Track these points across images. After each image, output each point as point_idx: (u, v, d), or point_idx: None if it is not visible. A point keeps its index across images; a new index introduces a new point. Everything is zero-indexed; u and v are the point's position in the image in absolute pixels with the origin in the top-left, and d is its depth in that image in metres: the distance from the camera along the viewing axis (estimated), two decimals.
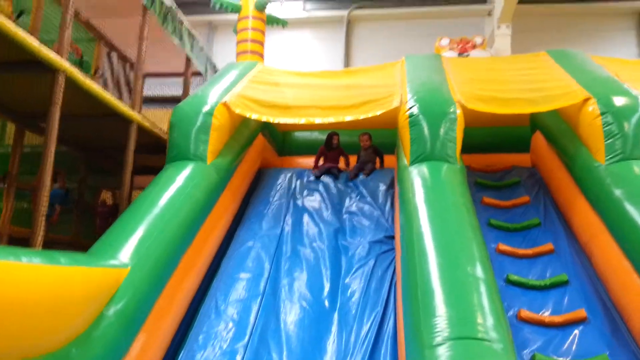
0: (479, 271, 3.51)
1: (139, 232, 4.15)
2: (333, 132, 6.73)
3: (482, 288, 3.38)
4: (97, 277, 3.48)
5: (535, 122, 6.44)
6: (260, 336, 4.13)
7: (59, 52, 4.98)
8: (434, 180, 4.67)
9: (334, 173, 6.37)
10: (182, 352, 4.12)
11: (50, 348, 2.91)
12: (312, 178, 6.33)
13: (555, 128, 5.72)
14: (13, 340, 2.58)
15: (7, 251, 2.70)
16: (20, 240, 5.15)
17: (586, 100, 4.96)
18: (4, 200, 5.60)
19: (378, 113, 5.44)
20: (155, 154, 6.80)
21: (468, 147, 5.41)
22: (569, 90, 5.25)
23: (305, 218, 5.60)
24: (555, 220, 5.20)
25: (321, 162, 6.65)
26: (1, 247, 2.82)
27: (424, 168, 4.83)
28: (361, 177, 6.28)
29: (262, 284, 4.66)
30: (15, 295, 2.58)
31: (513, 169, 6.23)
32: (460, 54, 11.53)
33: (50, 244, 5.83)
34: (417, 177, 4.73)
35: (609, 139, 4.68)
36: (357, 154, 6.64)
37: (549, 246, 4.81)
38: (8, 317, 2.50)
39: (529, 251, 4.79)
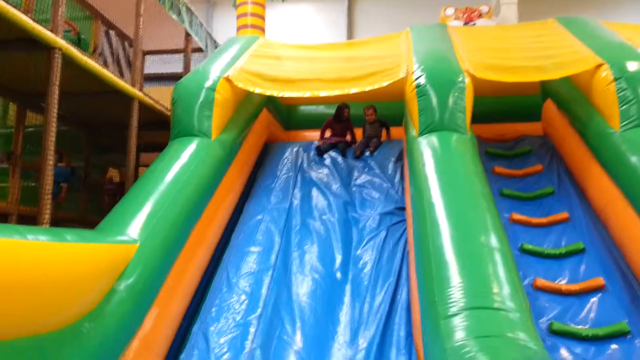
0: (494, 241, 3.45)
1: (147, 209, 4.10)
2: (344, 105, 6.51)
3: (497, 257, 3.32)
4: (106, 253, 3.44)
5: (546, 90, 6.30)
6: (273, 308, 4.11)
7: (53, 29, 4.88)
8: (444, 150, 4.58)
9: (341, 149, 6.20)
10: (196, 324, 4.11)
11: (62, 324, 2.89)
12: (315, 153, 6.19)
13: (567, 95, 5.58)
14: (23, 317, 2.55)
15: (12, 229, 2.64)
16: (29, 219, 5.12)
17: (599, 66, 4.81)
18: (10, 180, 5.56)
19: (384, 84, 5.31)
20: (160, 131, 6.72)
21: (478, 117, 5.28)
22: (581, 57, 5.10)
23: (314, 191, 5.54)
24: (569, 188, 5.11)
25: (327, 134, 6.49)
26: (6, 225, 2.76)
27: (433, 139, 4.73)
28: (367, 154, 6.14)
29: (273, 257, 4.62)
30: (22, 273, 2.54)
31: (524, 138, 6.12)
32: (466, 24, 11.27)
33: (59, 222, 5.83)
34: (426, 147, 4.64)
35: (623, 105, 4.54)
36: (362, 126, 6.51)
37: (563, 214, 4.73)
38: (16, 294, 2.47)
39: (544, 220, 4.71)
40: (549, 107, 6.16)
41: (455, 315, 2.90)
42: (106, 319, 3.25)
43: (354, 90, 5.37)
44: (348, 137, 6.48)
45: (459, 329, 2.79)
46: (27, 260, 2.62)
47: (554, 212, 4.80)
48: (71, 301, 3.00)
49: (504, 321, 2.83)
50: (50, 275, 2.77)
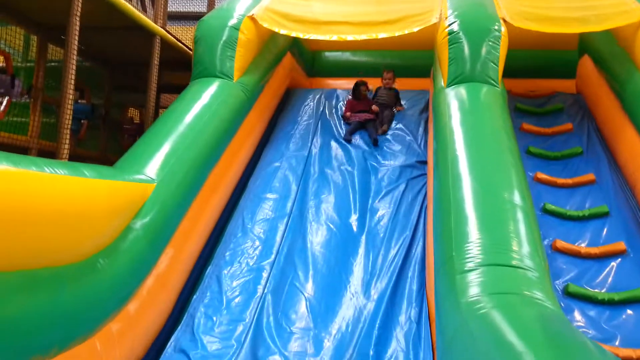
0: (517, 198, 3.34)
1: (165, 149, 4.07)
2: (360, 82, 5.89)
3: (519, 215, 3.23)
4: (122, 190, 3.43)
5: (584, 44, 5.98)
6: (286, 255, 4.11)
7: None
8: (472, 102, 4.40)
9: (369, 128, 5.54)
10: (209, 267, 4.14)
11: (76, 258, 2.90)
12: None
13: (606, 51, 5.28)
14: (37, 249, 2.56)
15: (30, 161, 2.62)
16: (50, 154, 5.13)
17: None
18: (30, 114, 5.56)
19: (415, 30, 5.08)
20: (182, 72, 6.61)
21: (509, 71, 5.04)
22: (626, 9, 4.78)
23: (334, 140, 5.44)
24: (598, 149, 4.92)
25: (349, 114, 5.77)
26: (24, 156, 2.74)
27: (462, 90, 4.54)
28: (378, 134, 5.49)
29: (289, 205, 4.59)
30: (38, 205, 2.53)
31: (556, 95, 5.86)
32: None
33: (79, 159, 5.85)
34: (454, 99, 4.46)
35: None
36: (375, 90, 6.06)
37: (590, 176, 4.57)
38: (33, 225, 2.46)
39: (569, 181, 4.57)
40: (585, 64, 5.86)
41: (471, 270, 2.84)
42: (121, 256, 3.27)
43: (382, 35, 5.15)
44: (372, 113, 5.69)
45: (474, 285, 2.73)
46: (43, 192, 2.61)
47: (581, 174, 4.64)
48: (87, 236, 3.01)
49: (522, 279, 2.77)
50: (66, 208, 2.76)
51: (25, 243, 2.49)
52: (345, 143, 5.39)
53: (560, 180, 4.58)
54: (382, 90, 5.98)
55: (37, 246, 2.60)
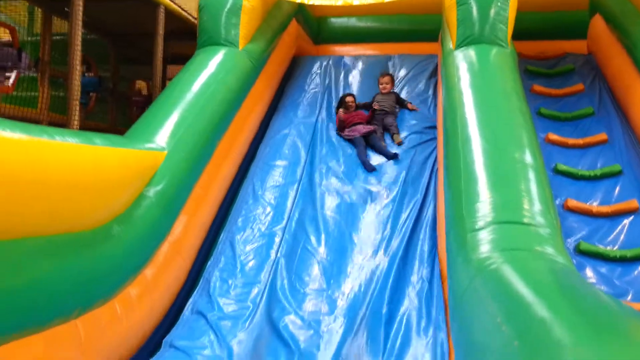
0: (528, 157, 3.33)
1: (174, 118, 4.09)
2: (345, 94, 5.35)
3: (531, 174, 3.22)
4: (134, 158, 3.46)
5: (595, 4, 5.83)
6: (297, 220, 4.15)
7: None
8: (481, 64, 4.35)
9: (376, 143, 4.87)
10: (223, 233, 4.20)
11: (92, 224, 2.95)
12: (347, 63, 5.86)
13: (618, 10, 5.16)
14: (53, 215, 2.61)
15: (40, 129, 2.64)
16: (59, 127, 5.16)
17: None
18: (39, 87, 5.58)
19: None
20: (188, 42, 6.56)
21: (519, 34, 4.96)
22: None
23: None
24: (610, 109, 4.86)
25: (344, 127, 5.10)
26: (35, 125, 2.76)
27: (470, 52, 4.49)
28: (395, 149, 4.80)
29: (299, 171, 4.61)
30: (51, 172, 2.56)
31: (567, 56, 5.77)
32: None
33: (88, 130, 5.89)
34: (462, 61, 4.41)
35: None
36: (372, 98, 5.33)
37: (602, 136, 4.53)
38: (44, 192, 2.50)
39: (580, 141, 4.54)
40: (597, 24, 5.73)
41: (482, 229, 2.86)
42: (136, 223, 3.32)
43: None
44: (367, 126, 5.01)
45: (485, 242, 2.75)
46: (57, 160, 2.64)
47: (592, 134, 4.60)
48: (101, 203, 3.05)
49: (533, 236, 2.78)
50: (79, 176, 2.80)
51: (41, 210, 2.53)
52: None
53: (572, 141, 4.55)
54: (380, 96, 5.31)
55: (53, 213, 2.65)
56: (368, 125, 5.00)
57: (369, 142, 4.89)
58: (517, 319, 1.91)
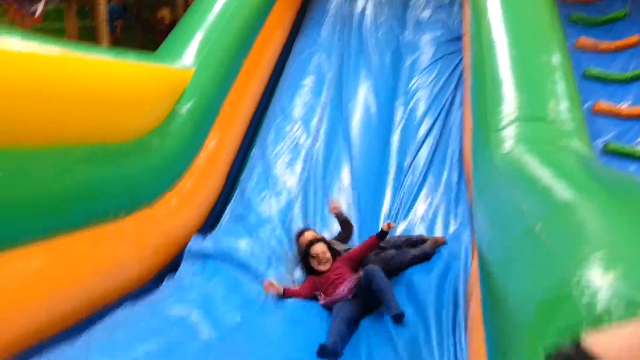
0: (555, 60, 3.29)
1: (198, 37, 4.14)
2: (313, 241, 3.13)
3: (557, 75, 3.19)
4: (165, 75, 3.57)
5: None
6: (327, 135, 4.25)
7: None
8: None
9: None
10: (254, 148, 4.35)
11: (129, 136, 3.12)
12: None
13: None
14: (91, 125, 2.78)
15: (74, 45, 2.76)
16: None
17: None
18: (64, 17, 5.64)
19: None
20: None
21: None
22: None
23: (366, 24, 5.34)
24: None
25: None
26: (67, 41, 2.87)
27: None
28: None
29: (325, 88, 4.67)
30: (89, 85, 2.70)
31: None
32: None
33: None
34: None
35: None
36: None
37: (633, 38, 4.39)
38: (80, 104, 2.66)
39: (611, 45, 4.41)
40: None
41: (506, 127, 2.88)
42: (171, 137, 3.48)
43: None
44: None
45: (509, 139, 2.78)
46: (94, 74, 2.77)
47: (624, 36, 4.45)
48: (135, 115, 3.20)
49: (557, 131, 2.79)
50: (114, 89, 2.94)
51: (79, 120, 2.70)
52: (378, 23, 5.23)
53: (603, 45, 4.43)
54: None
55: (91, 123, 2.81)
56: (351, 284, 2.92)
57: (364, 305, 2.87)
58: (539, 202, 1.86)
